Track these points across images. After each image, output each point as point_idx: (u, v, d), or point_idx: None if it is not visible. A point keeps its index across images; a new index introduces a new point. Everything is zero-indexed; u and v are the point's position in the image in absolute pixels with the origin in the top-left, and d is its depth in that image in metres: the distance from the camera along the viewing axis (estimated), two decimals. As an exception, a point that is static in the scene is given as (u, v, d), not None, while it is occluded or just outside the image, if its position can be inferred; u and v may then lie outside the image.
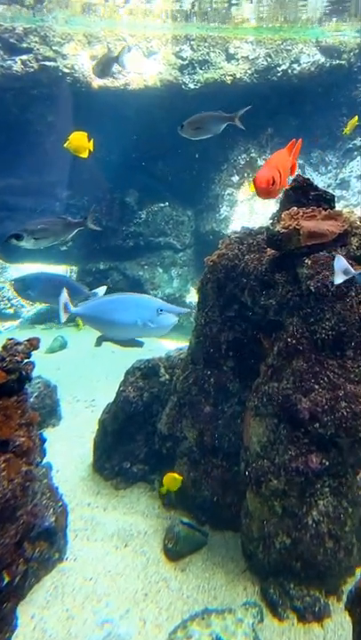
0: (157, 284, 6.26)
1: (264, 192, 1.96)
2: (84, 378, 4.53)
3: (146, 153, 6.40)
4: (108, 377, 4.57)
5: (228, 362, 2.65)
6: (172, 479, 2.55)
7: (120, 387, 3.03)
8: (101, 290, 3.79)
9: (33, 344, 1.91)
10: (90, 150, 3.25)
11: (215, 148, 6.22)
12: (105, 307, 2.33)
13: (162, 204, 6.60)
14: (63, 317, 2.36)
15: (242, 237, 2.73)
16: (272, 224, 2.43)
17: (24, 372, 1.88)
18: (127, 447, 2.91)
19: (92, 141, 3.34)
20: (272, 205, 5.88)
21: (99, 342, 5.54)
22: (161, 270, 6.38)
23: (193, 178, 6.60)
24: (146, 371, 3.02)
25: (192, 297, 6.23)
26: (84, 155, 3.27)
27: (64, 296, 2.40)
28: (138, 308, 2.20)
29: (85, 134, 3.32)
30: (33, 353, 1.93)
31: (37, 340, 1.95)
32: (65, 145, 3.28)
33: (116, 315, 2.26)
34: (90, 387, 4.33)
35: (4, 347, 1.88)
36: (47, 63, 5.41)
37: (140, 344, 5.95)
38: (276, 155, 2.13)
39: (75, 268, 6.64)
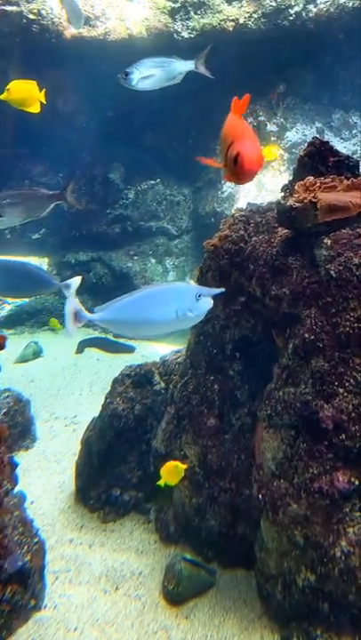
0: (149, 277, 6.29)
1: (254, 174, 1.75)
2: (63, 391, 4.55)
3: (132, 119, 6.44)
4: (93, 389, 4.60)
5: (235, 365, 2.68)
6: (173, 469, 2.48)
7: (107, 398, 3.06)
8: (75, 281, 3.76)
9: (1, 342, 1.92)
10: (41, 102, 3.01)
11: (215, 111, 6.22)
12: (136, 305, 2.27)
13: (152, 182, 6.63)
14: (72, 329, 2.25)
15: (248, 216, 2.76)
16: (283, 198, 2.46)
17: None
18: (116, 471, 2.93)
19: (43, 92, 3.09)
20: (284, 179, 5.92)
21: (80, 348, 5.58)
22: (154, 261, 6.41)
23: (189, 149, 6.63)
24: (137, 378, 3.05)
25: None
26: (34, 108, 3.03)
27: (73, 302, 2.28)
28: (175, 298, 2.17)
29: (33, 82, 3.08)
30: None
31: (3, 337, 1.96)
32: (3, 97, 2.97)
33: (151, 312, 2.21)
34: (71, 401, 4.35)
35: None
36: (8, 8, 5.33)
37: (130, 349, 6.00)
38: (237, 121, 2.01)
39: (49, 260, 6.67)
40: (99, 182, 6.57)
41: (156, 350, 5.78)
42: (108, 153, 6.63)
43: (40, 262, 6.62)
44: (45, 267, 6.69)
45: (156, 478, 2.87)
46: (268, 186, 5.82)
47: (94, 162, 6.60)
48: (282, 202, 2.42)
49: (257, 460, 2.40)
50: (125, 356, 5.61)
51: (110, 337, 6.29)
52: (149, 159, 6.73)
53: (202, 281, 2.78)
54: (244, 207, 2.89)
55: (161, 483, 2.51)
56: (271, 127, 6.02)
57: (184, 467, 2.50)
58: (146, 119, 6.46)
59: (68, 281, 3.76)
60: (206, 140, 6.41)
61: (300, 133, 6.01)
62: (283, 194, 2.53)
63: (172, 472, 2.50)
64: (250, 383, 2.65)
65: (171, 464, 2.51)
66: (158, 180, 6.63)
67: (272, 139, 5.96)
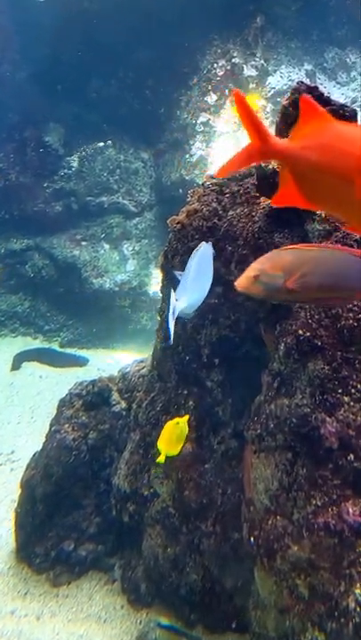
0: (103, 267, 6.28)
1: None
2: (-4, 419, 4.52)
3: (73, 65, 6.40)
4: (35, 415, 4.59)
5: (214, 374, 2.68)
6: (172, 430, 2.34)
7: (52, 426, 3.06)
8: None
9: None
10: None
11: (177, 52, 6.27)
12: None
13: (101, 144, 6.62)
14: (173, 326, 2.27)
15: (222, 184, 2.78)
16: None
17: None
18: (68, 519, 2.94)
19: None
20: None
21: (17, 363, 5.53)
22: (107, 247, 6.39)
23: (146, 101, 6.64)
24: (91, 398, 3.07)
25: (156, 285, 6.27)
26: None
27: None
28: None
29: None
30: None
31: None
32: None
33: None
34: (6, 431, 4.33)
35: None
36: None
37: (82, 361, 5.98)
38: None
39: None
40: (32, 148, 6.50)
41: (116, 361, 5.79)
42: (42, 110, 6.56)
43: None
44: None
45: (119, 526, 2.87)
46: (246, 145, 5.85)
47: (24, 122, 6.54)
48: (263, 165, 2.43)
49: (247, 493, 2.41)
50: (76, 370, 5.61)
51: (55, 346, 6.26)
52: (96, 116, 6.70)
53: (167, 268, 2.79)
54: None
55: (161, 459, 2.37)
56: (249, 71, 6.07)
57: (185, 419, 2.38)
58: (90, 65, 6.44)
59: None
60: (168, 90, 6.43)
61: (286, 78, 6.08)
62: (263, 154, 2.55)
63: (172, 435, 2.38)
64: (234, 396, 2.65)
65: (170, 424, 2.38)
66: (109, 142, 6.62)
67: (250, 86, 6.01)
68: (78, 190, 6.49)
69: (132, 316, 6.29)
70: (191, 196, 2.82)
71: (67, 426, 3.00)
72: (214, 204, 2.69)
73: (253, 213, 2.54)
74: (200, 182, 5.73)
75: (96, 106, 6.69)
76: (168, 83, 6.44)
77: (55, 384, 5.15)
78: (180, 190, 6.11)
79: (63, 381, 5.27)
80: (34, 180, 6.51)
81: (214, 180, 2.83)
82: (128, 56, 6.47)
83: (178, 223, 2.74)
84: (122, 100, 6.67)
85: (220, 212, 2.67)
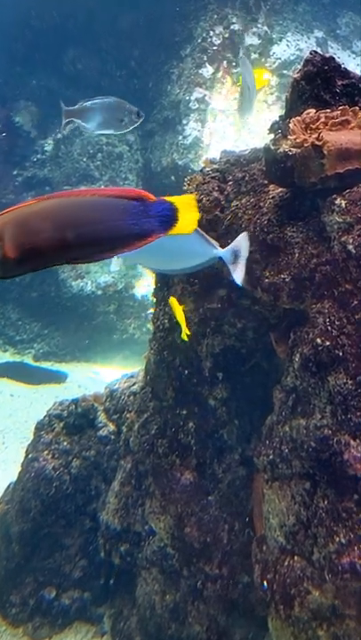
0: (83, 268, 6.31)
1: None
2: None
3: (47, 33, 6.41)
4: (7, 440, 4.60)
5: (217, 391, 2.68)
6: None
7: (29, 453, 3.07)
8: None
9: None
10: None
11: (167, 17, 6.29)
12: None
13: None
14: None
15: (224, 171, 2.78)
16: (274, 142, 2.47)
17: None
18: (49, 562, 2.94)
19: None
20: (273, 114, 6.00)
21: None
22: (88, 244, 6.38)
23: (132, 74, 6.66)
24: (73, 420, 3.08)
25: (145, 287, 6.28)
26: None
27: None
28: None
29: None
30: None
31: None
32: None
33: None
34: None
35: None
36: None
37: (60, 377, 5.97)
38: None
39: None
40: (-1, 130, 6.52)
41: (100, 376, 5.79)
42: (10, 86, 6.58)
43: None
44: None
45: (107, 568, 2.87)
46: (251, 125, 5.88)
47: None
48: (272, 147, 2.43)
49: (258, 529, 2.41)
50: (53, 387, 5.61)
51: (28, 360, 6.25)
52: (74, 92, 6.69)
53: (161, 269, 2.78)
54: (218, 157, 2.90)
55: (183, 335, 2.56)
56: (250, 39, 6.10)
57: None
58: (66, 33, 6.46)
59: None
60: (157, 61, 6.45)
61: (293, 47, 6.11)
62: (273, 136, 2.56)
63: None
64: (240, 417, 2.66)
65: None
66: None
67: (253, 56, 6.04)
68: (54, 178, 6.50)
69: (118, 323, 6.29)
70: (188, 185, 2.82)
71: (46, 453, 3.00)
72: (215, 194, 2.70)
73: (261, 204, 2.54)
74: (196, 168, 5.85)
75: (73, 80, 6.70)
76: (157, 53, 6.47)
77: (29, 404, 5.14)
78: (173, 177, 6.14)
79: (39, 400, 5.27)
80: (1, 167, 6.51)
81: (215, 166, 2.83)
82: (110, 22, 6.50)
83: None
84: (103, 73, 6.69)
85: (223, 203, 2.67)
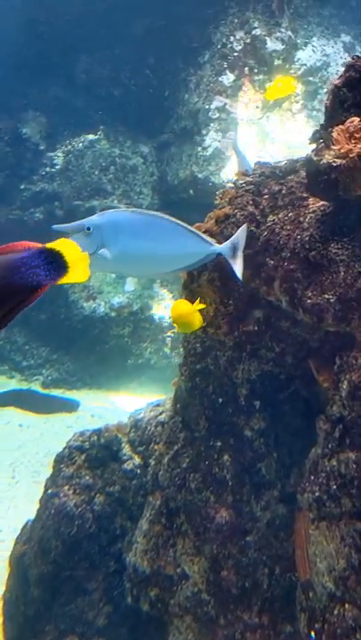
0: (95, 288, 6.30)
1: None
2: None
3: (56, 39, 6.45)
4: (17, 474, 4.59)
5: (254, 420, 2.65)
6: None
7: (48, 488, 3.02)
8: None
9: None
10: None
11: (184, 22, 6.33)
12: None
13: (92, 137, 6.68)
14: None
15: (258, 183, 2.76)
16: (316, 152, 2.46)
17: None
18: (70, 607, 2.88)
19: None
20: (300, 123, 6.01)
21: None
22: (100, 262, 6.39)
23: (147, 82, 6.71)
24: (96, 452, 3.03)
25: (163, 308, 6.26)
26: None
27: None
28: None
29: None
30: None
31: None
32: None
33: None
34: None
35: None
36: None
37: (71, 405, 5.94)
38: None
39: None
40: (5, 142, 6.58)
41: (114, 405, 5.77)
42: (18, 96, 6.63)
43: None
44: None
45: (134, 615, 2.82)
46: (275, 135, 5.89)
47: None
48: (314, 158, 2.41)
49: (302, 574, 2.35)
50: (65, 416, 5.59)
51: (36, 387, 6.23)
52: (85, 102, 6.77)
53: (192, 288, 2.76)
54: (252, 169, 2.89)
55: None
56: (273, 45, 6.12)
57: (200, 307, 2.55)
58: (78, 39, 6.52)
59: None
60: (173, 69, 6.50)
61: (319, 53, 6.14)
62: (314, 146, 2.54)
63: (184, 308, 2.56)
64: (279, 449, 2.62)
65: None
66: (100, 133, 6.68)
67: (276, 62, 6.07)
68: (63, 193, 6.51)
69: (133, 347, 6.27)
70: (220, 198, 2.81)
71: (67, 488, 2.96)
72: (250, 208, 2.67)
73: (301, 219, 2.51)
74: (217, 181, 5.86)
75: (85, 89, 6.77)
76: (173, 60, 6.51)
77: (39, 435, 5.12)
78: (191, 191, 6.15)
79: (49, 431, 5.25)
80: (8, 181, 6.55)
81: (249, 178, 2.81)
82: (124, 28, 6.54)
83: (205, 232, 2.71)
84: (116, 82, 6.75)
85: (258, 218, 2.65)
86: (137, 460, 3.06)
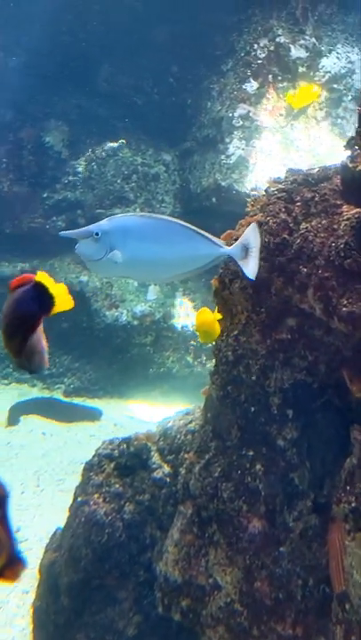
0: (118, 296, 6.32)
1: None
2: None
3: (79, 48, 6.50)
4: (42, 482, 4.59)
5: (287, 430, 2.65)
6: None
7: (77, 496, 3.03)
8: None
9: None
10: None
11: (207, 30, 6.37)
12: None
13: (114, 144, 6.72)
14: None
15: (291, 191, 2.78)
16: (352, 159, 2.48)
17: None
18: (101, 616, 2.88)
19: None
20: (324, 131, 6.03)
21: (14, 417, 5.54)
22: (122, 270, 6.40)
23: (169, 90, 6.77)
24: (125, 461, 3.04)
25: (185, 317, 6.28)
26: None
27: None
28: None
29: None
30: None
31: None
32: None
33: None
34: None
35: None
36: None
37: (94, 414, 5.95)
38: None
39: None
40: (29, 150, 6.62)
41: (136, 414, 5.77)
42: (41, 104, 6.68)
43: None
44: None
45: (165, 625, 2.83)
46: (299, 143, 5.91)
47: (20, 119, 6.66)
48: (350, 165, 2.44)
49: (337, 586, 2.35)
50: (87, 425, 5.60)
51: (58, 396, 6.26)
52: (107, 110, 6.81)
53: (223, 295, 2.79)
54: (284, 176, 2.91)
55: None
56: (297, 52, 6.16)
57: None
58: (100, 48, 6.58)
59: None
60: (196, 77, 6.54)
61: (344, 60, 6.15)
62: (350, 152, 2.56)
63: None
64: (313, 459, 2.62)
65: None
66: (122, 141, 6.70)
67: (300, 70, 6.09)
68: (86, 201, 6.57)
69: (155, 356, 6.28)
70: (252, 206, 2.83)
71: (96, 496, 2.96)
72: (283, 215, 2.69)
73: (335, 226, 2.53)
74: (240, 189, 5.88)
75: (107, 98, 6.82)
76: (196, 68, 6.57)
77: (63, 443, 5.14)
78: (214, 199, 6.17)
79: (72, 440, 5.26)
80: (31, 189, 6.60)
81: (281, 186, 2.84)
82: (146, 36, 6.58)
83: (236, 239, 2.73)
84: (138, 90, 6.81)
85: (291, 225, 2.66)
86: (166, 468, 3.06)
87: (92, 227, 3.54)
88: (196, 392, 5.99)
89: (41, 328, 2.15)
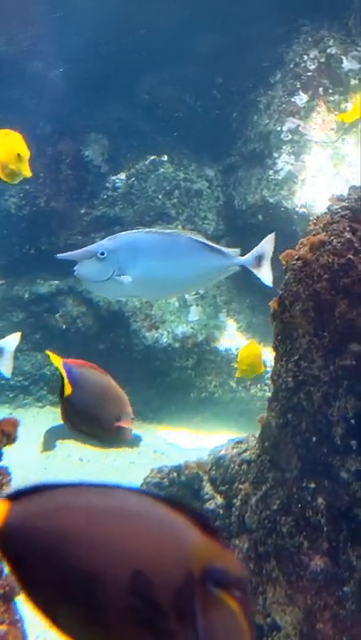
0: (158, 317, 6.31)
1: None
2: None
3: (120, 59, 6.57)
4: None
5: (351, 461, 2.62)
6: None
7: None
8: (12, 340, 3.91)
9: (7, 432, 1.91)
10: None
11: (255, 41, 6.40)
12: None
13: (155, 158, 6.75)
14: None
15: (356, 209, 2.77)
16: None
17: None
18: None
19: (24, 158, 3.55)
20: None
21: (50, 443, 5.53)
22: (163, 290, 6.42)
23: (213, 103, 6.81)
24: (176, 490, 3.05)
25: (229, 339, 6.25)
26: (24, 173, 3.53)
27: None
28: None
29: (18, 136, 3.56)
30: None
31: (15, 422, 1.97)
32: None
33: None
34: None
35: None
36: None
37: (133, 441, 5.92)
38: None
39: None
40: (67, 164, 6.67)
41: (176, 441, 5.75)
42: (81, 117, 6.74)
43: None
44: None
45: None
46: (351, 158, 5.88)
47: (58, 132, 6.72)
48: None
49: None
50: (126, 451, 5.58)
51: (96, 421, 6.23)
52: (149, 123, 6.86)
53: (284, 317, 2.77)
54: (346, 194, 2.90)
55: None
56: (349, 64, 6.16)
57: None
58: (141, 58, 6.64)
59: (1, 342, 3.96)
60: (242, 89, 6.57)
61: None
62: None
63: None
64: (379, 492, 2.59)
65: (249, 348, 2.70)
66: (165, 156, 6.75)
67: (352, 82, 6.08)
68: (125, 217, 6.58)
69: (196, 380, 6.23)
70: (314, 224, 2.81)
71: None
72: (348, 235, 2.68)
73: None
74: (289, 206, 5.87)
75: (147, 110, 6.86)
76: (242, 80, 6.58)
77: (101, 470, 5.13)
78: (260, 216, 6.16)
79: (111, 467, 5.25)
80: (69, 205, 6.64)
81: (344, 204, 2.82)
82: (189, 46, 6.62)
83: (298, 259, 2.72)
84: (181, 103, 6.83)
85: (357, 245, 2.65)
86: (219, 499, 3.04)
87: (93, 247, 3.54)
88: (240, 419, 6.03)
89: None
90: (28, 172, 3.49)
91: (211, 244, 3.05)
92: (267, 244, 2.95)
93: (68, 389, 2.52)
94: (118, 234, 3.48)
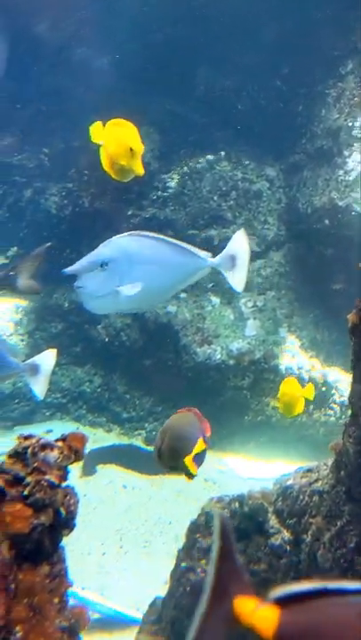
0: (211, 330, 6.23)
1: None
2: (69, 548, 4.42)
3: (174, 48, 6.52)
4: (125, 542, 4.53)
5: None
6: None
7: (181, 561, 2.96)
8: (48, 358, 3.97)
9: (75, 448, 1.92)
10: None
11: (326, 27, 6.30)
12: None
13: (211, 156, 6.71)
14: None
15: None
16: None
17: (62, 511, 1.87)
18: None
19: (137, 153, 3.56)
20: None
21: (91, 466, 5.48)
22: (217, 301, 6.40)
23: (277, 95, 6.72)
24: (238, 522, 2.92)
25: (291, 357, 6.12)
26: (137, 170, 3.57)
27: None
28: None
29: (131, 127, 3.64)
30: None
31: (83, 438, 1.93)
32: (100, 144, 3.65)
33: None
34: (87, 565, 4.24)
35: (18, 452, 1.88)
36: None
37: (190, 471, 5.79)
38: None
39: (25, 304, 6.67)
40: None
41: (228, 468, 5.66)
42: (131, 109, 6.66)
43: (14, 306, 6.60)
44: (14, 316, 6.68)
45: None
46: None
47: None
48: None
49: None
50: (172, 478, 5.47)
51: (138, 443, 6.17)
52: (204, 117, 6.79)
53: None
54: None
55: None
56: None
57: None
58: (198, 47, 6.58)
59: (36, 359, 3.92)
60: (309, 80, 6.48)
61: None
62: None
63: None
64: None
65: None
66: (222, 153, 6.69)
67: None
68: (177, 220, 6.53)
69: (252, 401, 6.12)
70: None
71: (204, 562, 2.88)
72: None
73: None
74: (360, 210, 5.73)
75: (204, 103, 6.80)
76: (309, 70, 6.48)
77: (148, 499, 5.05)
78: (327, 221, 6.04)
79: (157, 496, 5.16)
80: (114, 205, 6.60)
81: None
82: (251, 35, 6.55)
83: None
84: (241, 95, 6.77)
85: None
86: (286, 534, 2.92)
87: (93, 257, 3.44)
88: (299, 445, 5.89)
89: None
90: (140, 170, 3.44)
91: (182, 243, 2.99)
92: (238, 243, 2.86)
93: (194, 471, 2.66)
94: (111, 239, 3.47)
